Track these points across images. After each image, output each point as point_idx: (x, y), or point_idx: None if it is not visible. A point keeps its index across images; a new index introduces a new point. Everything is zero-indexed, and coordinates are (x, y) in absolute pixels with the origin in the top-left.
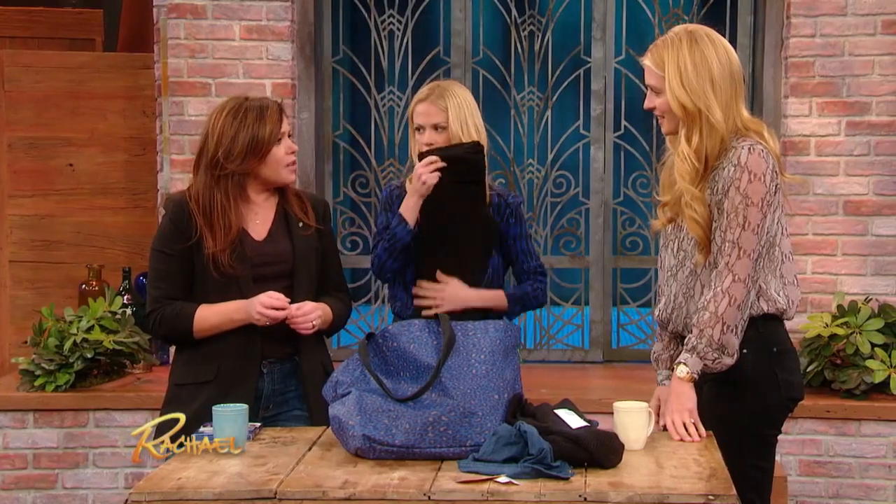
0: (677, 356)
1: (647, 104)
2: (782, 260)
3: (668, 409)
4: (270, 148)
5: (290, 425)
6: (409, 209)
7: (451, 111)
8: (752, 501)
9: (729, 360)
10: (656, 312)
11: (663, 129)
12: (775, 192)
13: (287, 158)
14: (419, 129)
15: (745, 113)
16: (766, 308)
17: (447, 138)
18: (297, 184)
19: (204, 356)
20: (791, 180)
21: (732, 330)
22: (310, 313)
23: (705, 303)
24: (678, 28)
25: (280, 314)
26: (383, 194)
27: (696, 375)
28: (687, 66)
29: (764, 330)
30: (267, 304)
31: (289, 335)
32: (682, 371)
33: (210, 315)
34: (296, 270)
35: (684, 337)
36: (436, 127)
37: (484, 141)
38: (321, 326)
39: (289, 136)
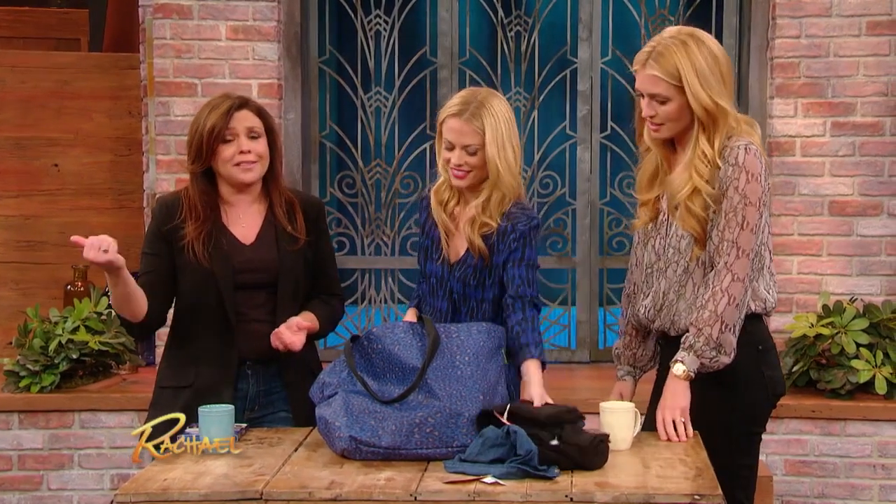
0: (643, 354)
1: (646, 112)
2: (769, 258)
3: (661, 405)
4: (214, 145)
5: (275, 426)
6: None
7: (489, 133)
8: (741, 501)
9: (726, 359)
10: (641, 311)
11: (661, 135)
12: (767, 192)
13: (236, 158)
14: (449, 146)
15: (734, 110)
16: (754, 307)
17: (480, 160)
18: (284, 184)
19: (183, 360)
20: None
21: (731, 329)
22: (293, 344)
23: (704, 302)
24: (673, 30)
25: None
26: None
27: (692, 374)
28: (703, 67)
29: (751, 329)
30: (87, 249)
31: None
32: (678, 369)
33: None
34: (279, 280)
35: (666, 335)
36: (466, 148)
37: (519, 160)
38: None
39: (250, 136)
